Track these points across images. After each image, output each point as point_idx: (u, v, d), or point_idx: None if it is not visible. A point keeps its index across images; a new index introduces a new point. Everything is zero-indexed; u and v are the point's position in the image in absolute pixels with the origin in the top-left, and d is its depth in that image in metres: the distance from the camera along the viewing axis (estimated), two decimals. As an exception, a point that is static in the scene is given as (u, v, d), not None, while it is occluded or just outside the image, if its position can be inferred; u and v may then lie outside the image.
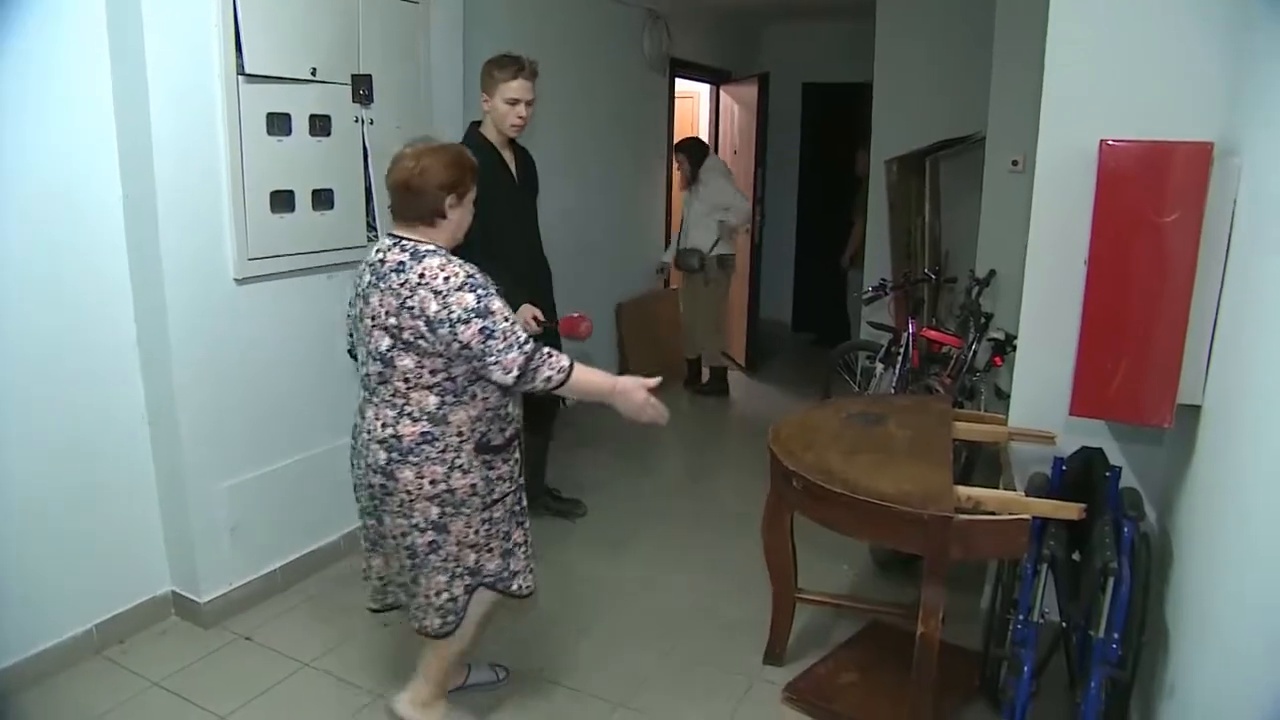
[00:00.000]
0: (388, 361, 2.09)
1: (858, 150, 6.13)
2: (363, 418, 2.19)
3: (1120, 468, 2.47)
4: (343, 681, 2.70)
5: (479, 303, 2.03)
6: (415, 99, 3.50)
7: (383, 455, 2.13)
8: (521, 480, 2.36)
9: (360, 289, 2.17)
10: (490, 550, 2.26)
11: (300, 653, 2.82)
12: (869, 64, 5.54)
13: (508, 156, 3.22)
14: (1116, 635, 2.05)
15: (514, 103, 3.06)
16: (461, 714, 2.50)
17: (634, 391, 2.16)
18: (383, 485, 2.15)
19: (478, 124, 3.19)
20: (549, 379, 2.08)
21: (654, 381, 2.20)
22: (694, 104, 7.42)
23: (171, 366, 2.78)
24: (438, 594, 2.22)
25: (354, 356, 2.42)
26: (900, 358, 4.05)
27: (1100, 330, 2.20)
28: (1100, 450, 2.50)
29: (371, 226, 3.34)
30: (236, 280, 2.92)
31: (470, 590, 2.26)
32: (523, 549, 2.35)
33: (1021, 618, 2.21)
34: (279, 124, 2.94)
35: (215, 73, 2.75)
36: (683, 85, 6.60)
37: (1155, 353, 2.14)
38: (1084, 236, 2.20)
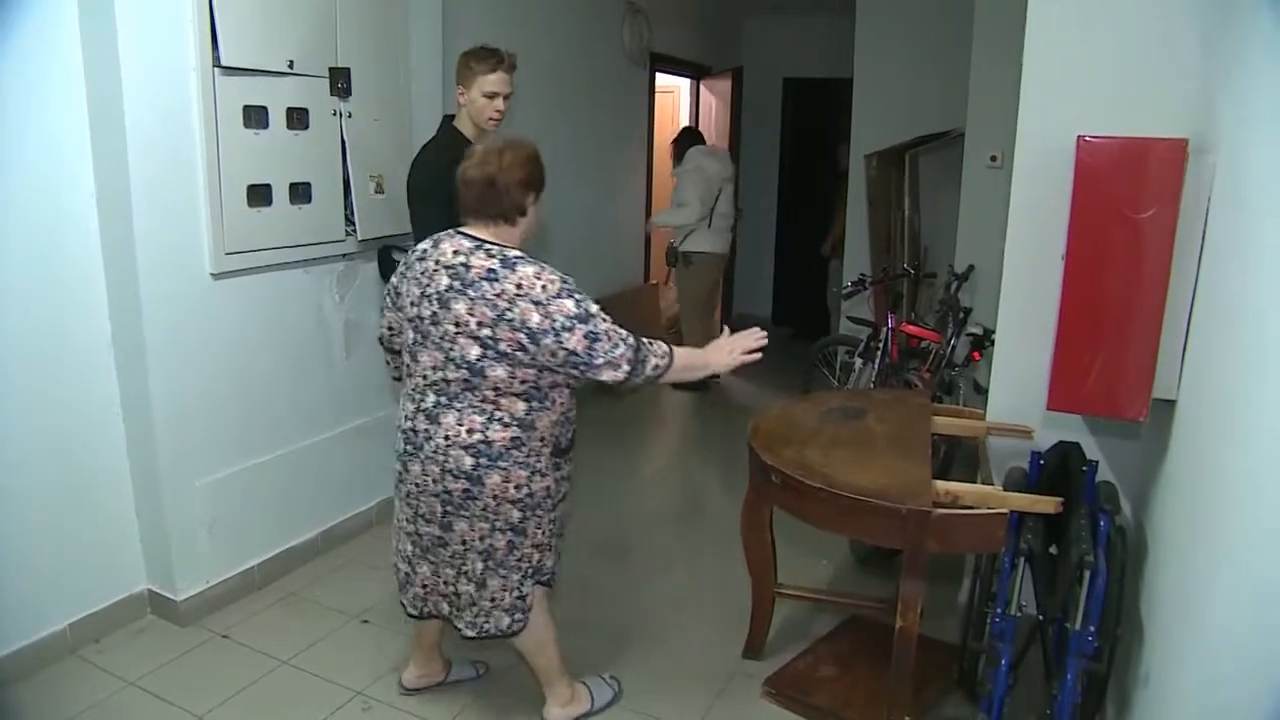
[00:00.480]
0: (477, 371, 2.05)
1: (839, 145, 6.16)
2: (435, 423, 2.12)
3: (1097, 462, 2.49)
4: (321, 679, 2.68)
5: (578, 307, 2.03)
6: (394, 92, 3.47)
7: (469, 460, 2.10)
8: None
9: (429, 290, 2.10)
10: (550, 549, 2.32)
11: (278, 651, 2.80)
12: (849, 59, 5.56)
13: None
14: (1092, 628, 2.07)
15: (492, 96, 3.03)
16: (593, 681, 2.59)
17: (723, 349, 2.28)
18: (465, 490, 2.12)
19: (451, 118, 3.16)
20: (656, 366, 2.12)
21: (743, 337, 2.28)
22: (674, 98, 7.41)
23: (147, 363, 2.75)
24: (510, 593, 2.24)
25: (388, 348, 2.39)
26: (879, 353, 4.07)
27: (1077, 325, 2.22)
28: (1077, 444, 2.52)
29: (350, 220, 3.31)
30: (213, 275, 2.88)
31: (534, 589, 2.30)
32: (560, 541, 2.42)
33: (999, 611, 2.23)
34: (256, 117, 2.91)
35: (191, 65, 2.71)
36: (664, 80, 6.59)
37: (1131, 347, 2.16)
38: (1061, 232, 2.21)
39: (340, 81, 3.16)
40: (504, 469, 2.11)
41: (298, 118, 3.04)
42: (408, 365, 2.21)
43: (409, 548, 2.30)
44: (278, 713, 2.56)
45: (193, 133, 2.75)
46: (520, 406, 2.10)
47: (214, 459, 2.99)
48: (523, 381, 2.08)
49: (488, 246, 2.08)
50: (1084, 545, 2.10)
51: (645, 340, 2.12)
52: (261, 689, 2.64)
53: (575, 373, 2.08)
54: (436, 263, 2.11)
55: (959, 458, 3.50)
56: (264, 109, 2.92)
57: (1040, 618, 2.39)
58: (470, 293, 2.03)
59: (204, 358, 2.91)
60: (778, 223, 7.75)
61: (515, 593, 2.26)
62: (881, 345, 4.08)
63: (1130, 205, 2.11)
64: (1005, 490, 2.38)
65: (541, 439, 2.16)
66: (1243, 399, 1.60)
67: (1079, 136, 2.16)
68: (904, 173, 4.96)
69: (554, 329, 2.00)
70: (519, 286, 2.01)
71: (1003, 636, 2.19)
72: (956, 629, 2.66)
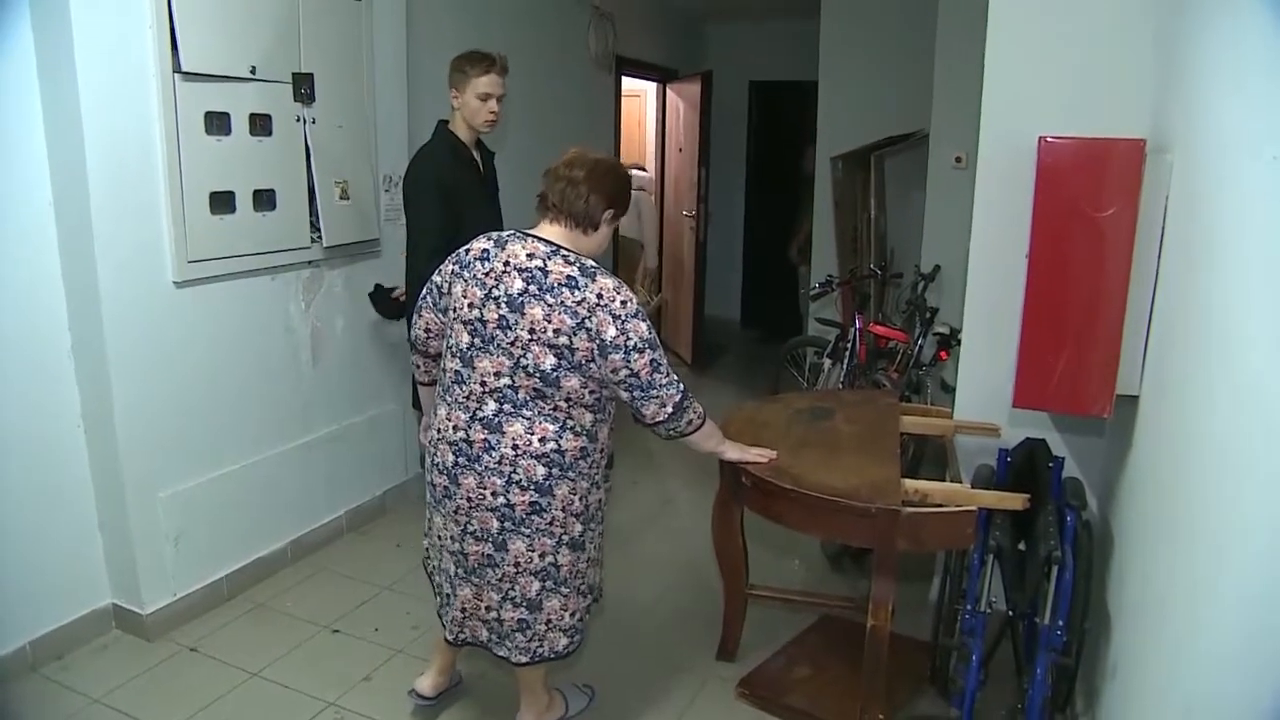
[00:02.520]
0: (551, 381, 1.99)
1: (805, 148, 6.20)
2: (498, 432, 2.03)
3: (1063, 458, 2.53)
4: (292, 691, 2.65)
5: (650, 333, 2.01)
6: (358, 98, 3.44)
7: (541, 470, 2.04)
8: None
9: (496, 293, 2.00)
10: (599, 563, 2.31)
11: (248, 663, 2.76)
12: (815, 62, 5.60)
13: (476, 155, 3.17)
14: (1061, 622, 2.10)
15: (486, 98, 3.03)
16: (567, 688, 2.57)
17: (739, 450, 2.37)
18: (533, 503, 2.05)
19: (446, 122, 3.15)
20: (690, 423, 2.14)
21: (760, 455, 2.38)
22: (641, 102, 7.43)
23: (109, 373, 2.70)
24: (571, 614, 2.20)
25: (422, 351, 2.29)
26: (848, 353, 4.10)
27: (1041, 323, 2.25)
28: (1043, 441, 2.55)
29: (315, 227, 3.28)
30: (176, 283, 2.84)
31: (589, 607, 2.28)
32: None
33: (969, 608, 2.26)
34: (218, 123, 2.87)
35: (150, 71, 2.67)
36: (630, 84, 6.59)
37: (1094, 345, 2.20)
38: (1025, 232, 2.24)
39: (304, 87, 3.13)
40: (572, 479, 2.08)
41: (261, 124, 3.01)
42: (457, 372, 2.07)
43: (452, 567, 2.20)
44: (248, 726, 2.52)
45: (153, 140, 2.71)
46: (588, 418, 2.08)
47: (179, 469, 2.94)
48: (592, 393, 2.05)
49: (565, 253, 2.02)
50: (1051, 541, 2.13)
51: (691, 395, 2.13)
52: (232, 702, 2.60)
53: (625, 395, 2.05)
54: (506, 264, 2.01)
55: (928, 456, 3.53)
56: (226, 115, 2.89)
57: (1010, 613, 2.41)
58: (549, 298, 1.96)
59: (168, 367, 2.86)
60: (745, 225, 7.78)
61: (576, 614, 2.22)
62: (849, 346, 4.11)
63: (1091, 204, 2.14)
64: (973, 488, 2.41)
65: (601, 450, 2.16)
66: (1201, 394, 1.64)
67: (1040, 137, 2.19)
68: (870, 174, 5.00)
69: (626, 346, 1.97)
70: (600, 296, 1.96)
71: (973, 633, 2.21)
72: (928, 626, 2.68)
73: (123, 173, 2.65)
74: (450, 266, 2.13)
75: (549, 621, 2.18)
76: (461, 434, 2.07)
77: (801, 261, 6.23)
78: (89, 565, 2.87)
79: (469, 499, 2.08)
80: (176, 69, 2.71)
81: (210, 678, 2.70)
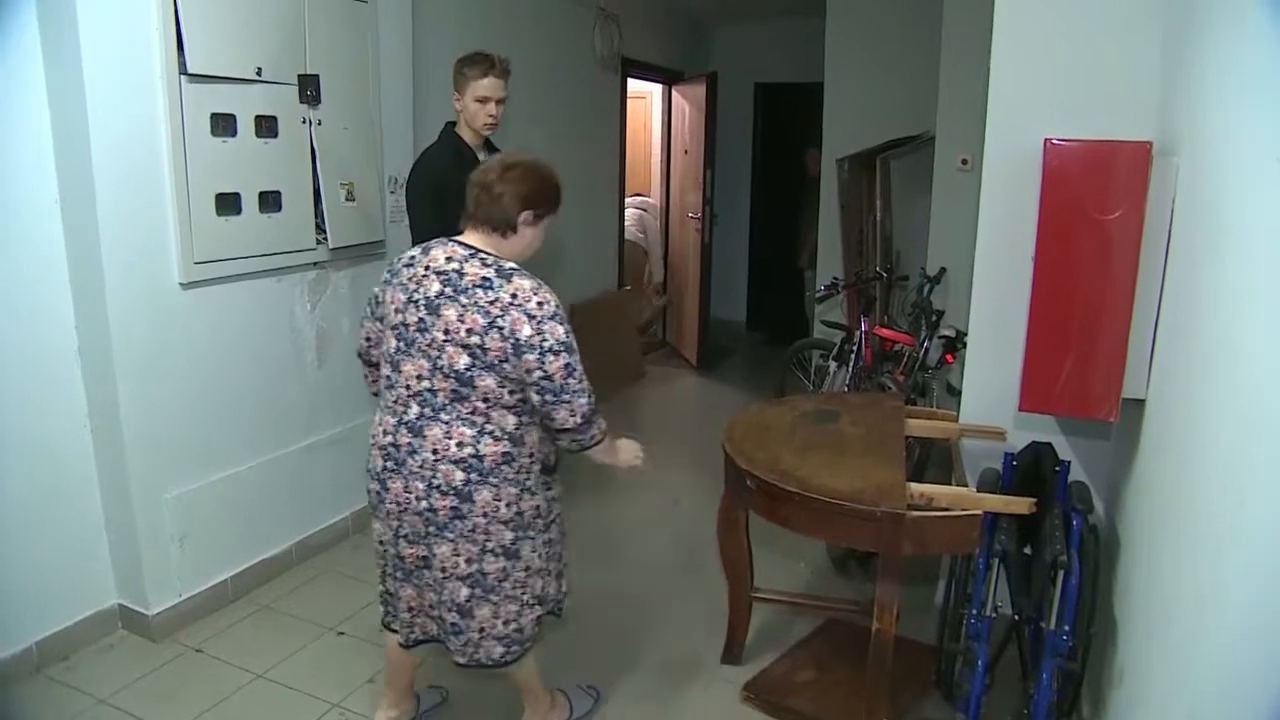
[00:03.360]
0: (466, 380, 1.97)
1: (809, 150, 6.19)
2: (420, 436, 2.02)
3: (1069, 462, 2.51)
4: (297, 692, 2.65)
5: (568, 337, 1.99)
6: (364, 99, 3.45)
7: (460, 475, 2.01)
8: None
9: (416, 296, 2.02)
10: (550, 573, 2.24)
11: (253, 664, 2.77)
12: (821, 64, 5.59)
13: (481, 156, 3.17)
14: (1067, 627, 2.09)
15: (484, 101, 3.02)
16: (572, 690, 2.57)
17: (628, 449, 2.33)
18: (454, 508, 2.02)
19: (453, 124, 3.15)
20: (593, 437, 2.10)
21: (637, 447, 2.37)
22: (647, 104, 7.43)
23: (115, 374, 2.71)
24: (506, 623, 2.15)
25: (367, 361, 2.31)
26: (853, 356, 4.09)
27: (1047, 326, 2.24)
28: (1050, 445, 2.54)
29: (320, 229, 3.28)
30: (182, 284, 2.85)
31: (539, 620, 2.23)
32: (568, 570, 2.35)
33: (975, 612, 2.24)
34: (223, 125, 2.88)
35: (156, 73, 2.68)
36: (636, 85, 6.60)
37: (1100, 348, 2.19)
38: (1031, 234, 2.23)
39: (309, 89, 3.14)
40: (494, 485, 2.03)
41: (266, 125, 3.01)
42: (388, 377, 2.09)
43: (393, 569, 2.20)
44: (252, 727, 2.53)
45: (159, 141, 2.72)
46: (510, 420, 2.03)
47: (185, 470, 2.95)
48: (512, 393, 2.01)
49: (483, 255, 2.02)
50: (1057, 545, 2.13)
51: (599, 410, 2.10)
52: (236, 703, 2.60)
53: (537, 398, 2.00)
54: (426, 268, 2.03)
55: (933, 459, 3.52)
56: (232, 117, 2.89)
57: (1016, 618, 2.40)
58: (463, 299, 1.96)
59: (174, 368, 2.87)
60: (751, 227, 7.78)
61: (513, 624, 2.16)
62: (855, 348, 4.10)
63: (1097, 207, 2.13)
64: (979, 491, 2.40)
65: (530, 455, 2.10)
66: (1209, 397, 1.63)
67: (1046, 140, 2.18)
68: (876, 176, 4.99)
69: (541, 347, 1.95)
70: (514, 296, 1.96)
71: (979, 637, 2.20)
72: (933, 630, 2.67)
73: (129, 174, 2.66)
74: (385, 276, 2.15)
75: (481, 629, 2.13)
76: (390, 438, 2.06)
77: (809, 266, 6.23)
78: (95, 566, 2.88)
79: (397, 503, 2.07)
80: (182, 70, 2.72)
81: (215, 679, 2.71)
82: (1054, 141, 2.18)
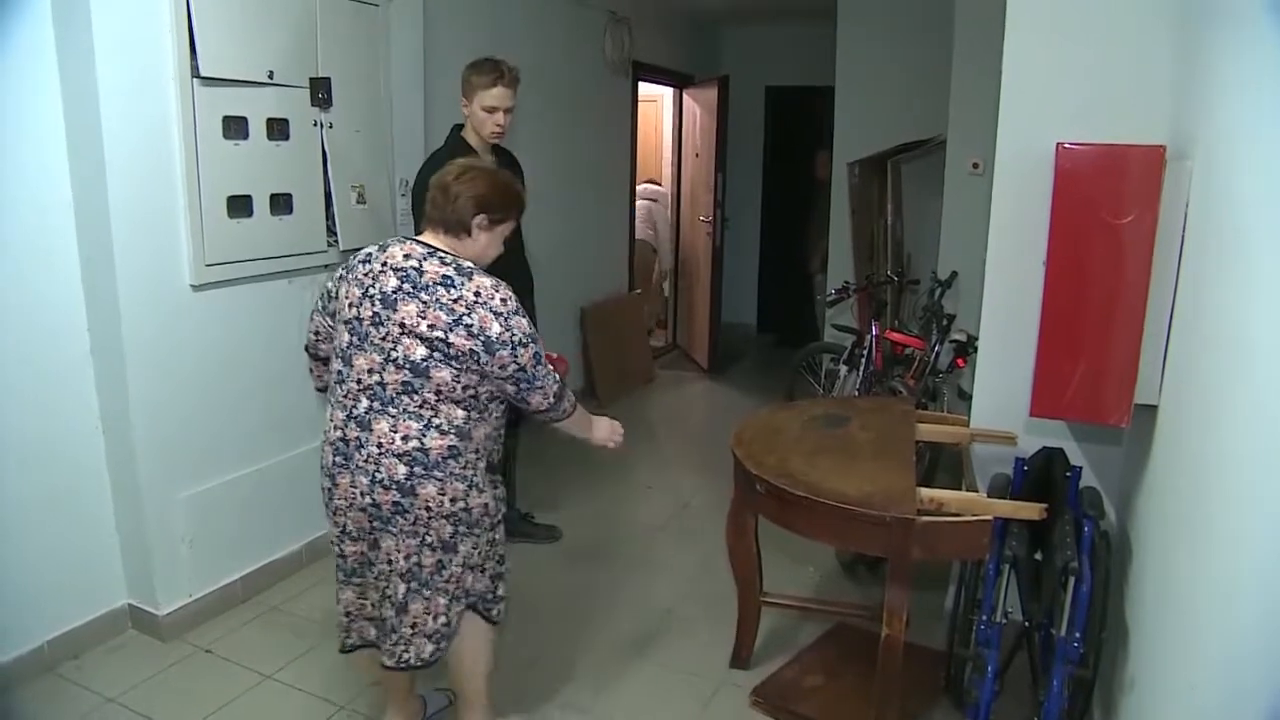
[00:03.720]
0: (420, 371, 1.98)
1: (818, 153, 6.18)
2: (367, 430, 2.02)
3: (1080, 467, 2.50)
4: (305, 694, 2.65)
5: (530, 328, 2.05)
6: (375, 102, 3.46)
7: (403, 469, 2.00)
8: None
9: (371, 291, 2.03)
10: (484, 571, 2.22)
11: (262, 665, 2.77)
12: (832, 67, 5.58)
13: (488, 160, 3.17)
14: (1078, 633, 2.07)
15: (492, 110, 3.03)
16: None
17: (603, 426, 2.38)
18: (396, 503, 2.01)
19: (460, 127, 3.16)
20: (566, 410, 2.18)
21: (617, 425, 2.41)
22: (658, 108, 7.43)
23: (127, 375, 2.73)
24: (435, 617, 2.12)
25: (314, 355, 2.35)
26: (864, 360, 4.08)
27: (1058, 331, 2.22)
28: (1061, 450, 2.52)
29: (332, 231, 3.29)
30: (193, 286, 2.86)
31: (461, 613, 2.19)
32: (507, 574, 2.33)
33: (984, 618, 2.23)
34: (235, 127, 2.89)
35: (169, 75, 2.69)
36: (647, 89, 6.60)
37: (1112, 353, 2.17)
38: (1042, 238, 2.22)
39: (321, 92, 3.15)
40: (439, 479, 2.02)
41: (278, 128, 3.03)
42: (339, 371, 2.09)
43: (339, 572, 2.20)
44: (260, 728, 2.53)
45: (171, 144, 2.73)
46: (459, 414, 2.03)
47: (195, 472, 2.96)
48: (465, 387, 2.02)
49: (442, 254, 2.05)
50: (1068, 551, 2.11)
51: (563, 380, 2.18)
52: (245, 704, 2.61)
53: (512, 388, 2.07)
54: (383, 265, 2.04)
55: (943, 464, 3.51)
56: (244, 119, 2.91)
57: (1026, 624, 2.39)
58: (423, 296, 1.98)
59: (185, 370, 2.89)
60: (762, 231, 7.77)
61: (441, 618, 2.13)
62: (865, 352, 4.09)
63: (1110, 211, 2.12)
64: (989, 497, 2.38)
65: (477, 451, 2.10)
66: (1222, 403, 1.61)
67: (1058, 143, 2.17)
68: (886, 180, 4.98)
69: (512, 342, 2.00)
70: (477, 294, 1.99)
71: (989, 644, 2.19)
72: (944, 636, 2.66)
73: (141, 176, 2.68)
74: (339, 272, 2.17)
75: (414, 625, 2.11)
76: (339, 433, 2.06)
77: (819, 271, 6.22)
78: (106, 566, 2.89)
79: (345, 498, 2.06)
80: (195, 74, 2.73)
81: (224, 679, 2.72)
82: (1066, 145, 2.17)
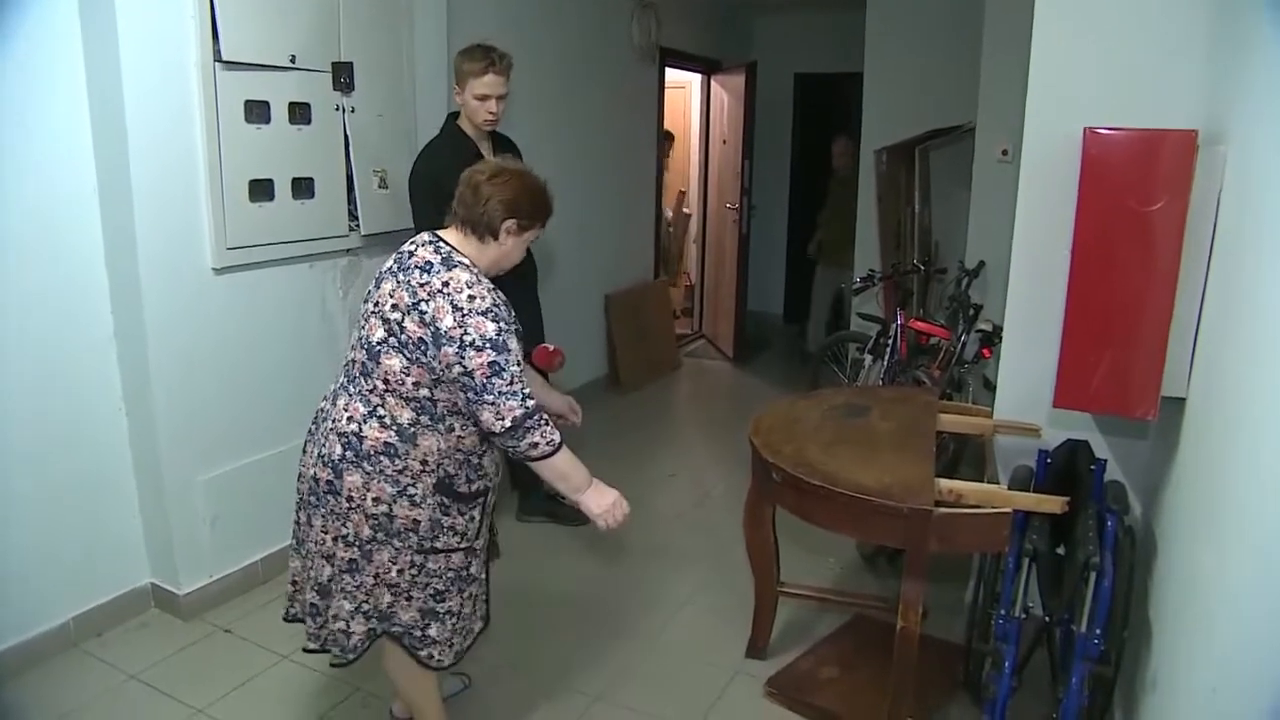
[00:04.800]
0: (373, 354, 1.91)
1: (836, 139, 6.10)
2: (333, 403, 2.01)
3: (1105, 460, 2.44)
4: (322, 674, 2.67)
5: (498, 335, 1.86)
6: (398, 87, 3.45)
7: (338, 450, 1.94)
8: (480, 547, 2.13)
9: (377, 274, 2.02)
10: (409, 599, 2.03)
11: (280, 645, 2.79)
12: (861, 53, 5.51)
13: (485, 148, 3.15)
14: (1099, 630, 2.03)
15: (484, 98, 3.00)
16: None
17: (606, 498, 2.07)
18: (328, 483, 1.95)
19: (455, 115, 3.15)
20: (535, 445, 1.91)
21: (624, 507, 2.11)
22: (686, 94, 7.37)
23: (149, 358, 2.75)
24: (334, 619, 2.03)
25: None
26: (889, 349, 4.03)
27: (1084, 321, 2.17)
28: (1086, 443, 2.47)
29: (353, 215, 3.30)
30: (215, 270, 2.88)
31: (373, 635, 2.05)
32: (453, 620, 2.10)
33: (1003, 612, 2.19)
34: (257, 112, 2.90)
35: (191, 60, 2.71)
36: (675, 75, 6.55)
37: (1139, 344, 2.11)
38: (1069, 226, 2.16)
39: (343, 76, 3.15)
40: (366, 473, 1.92)
41: (300, 113, 3.03)
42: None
43: (292, 539, 2.15)
44: (278, 707, 2.55)
45: (194, 128, 2.75)
46: (405, 415, 1.92)
47: (217, 453, 2.99)
48: (415, 384, 1.90)
49: (440, 244, 1.97)
50: (1090, 546, 2.07)
51: (544, 416, 1.93)
52: (262, 683, 2.64)
53: (461, 397, 1.89)
54: (395, 253, 2.04)
55: (968, 456, 3.46)
56: (266, 104, 2.92)
57: (1047, 619, 2.35)
58: (400, 275, 1.93)
59: (206, 352, 2.91)
60: (789, 219, 7.69)
61: (342, 624, 2.02)
62: (890, 342, 4.04)
63: (1138, 198, 2.06)
64: (1011, 489, 2.34)
65: (423, 462, 1.94)
66: (1253, 396, 1.56)
67: (1085, 128, 2.11)
68: (914, 167, 4.90)
69: (462, 341, 1.84)
70: (446, 284, 1.88)
71: (1007, 638, 2.15)
72: (964, 630, 2.62)
73: (164, 161, 2.70)
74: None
75: (333, 614, 2.03)
76: (324, 402, 2.08)
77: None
78: (130, 545, 2.93)
79: (303, 464, 2.06)
80: (217, 58, 2.74)
81: (243, 658, 2.75)
82: (1094, 130, 2.11)
